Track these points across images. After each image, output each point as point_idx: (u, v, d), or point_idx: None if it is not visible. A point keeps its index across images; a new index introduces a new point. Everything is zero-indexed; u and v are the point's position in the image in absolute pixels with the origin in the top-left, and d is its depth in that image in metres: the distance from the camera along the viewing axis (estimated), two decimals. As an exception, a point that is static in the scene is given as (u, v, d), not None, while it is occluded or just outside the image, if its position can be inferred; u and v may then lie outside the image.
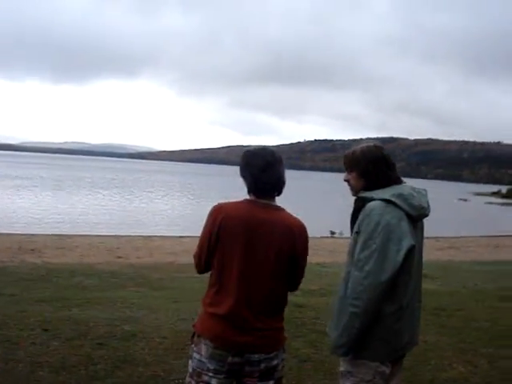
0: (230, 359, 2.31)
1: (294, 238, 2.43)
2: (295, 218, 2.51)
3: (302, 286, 2.73)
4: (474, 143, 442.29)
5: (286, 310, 2.62)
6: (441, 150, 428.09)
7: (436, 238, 27.47)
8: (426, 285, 11.30)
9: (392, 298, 2.43)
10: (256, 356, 2.34)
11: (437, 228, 33.03)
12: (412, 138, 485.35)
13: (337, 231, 27.29)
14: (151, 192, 52.36)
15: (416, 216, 2.48)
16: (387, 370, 2.53)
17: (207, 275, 2.57)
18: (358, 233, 2.46)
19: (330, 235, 26.59)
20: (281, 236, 2.39)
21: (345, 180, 2.69)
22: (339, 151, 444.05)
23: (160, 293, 7.93)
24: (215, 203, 2.50)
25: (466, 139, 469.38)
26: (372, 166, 2.56)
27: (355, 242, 2.47)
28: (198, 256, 2.48)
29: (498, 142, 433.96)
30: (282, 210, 2.49)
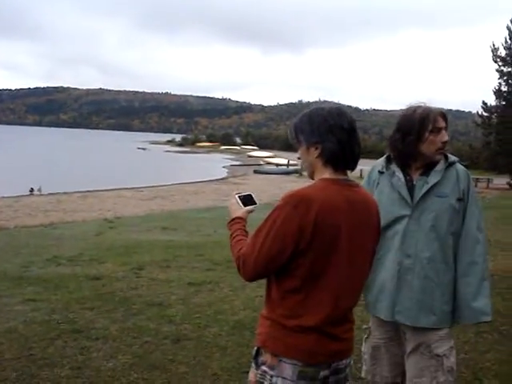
0: (321, 374, 1.88)
1: (379, 222, 2.03)
2: (371, 195, 2.11)
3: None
4: (144, 93, 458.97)
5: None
6: (112, 100, 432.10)
7: (137, 189, 27.91)
8: (175, 237, 11.48)
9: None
10: (343, 362, 1.95)
11: (133, 178, 33.68)
12: (83, 87, 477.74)
13: (35, 187, 25.61)
14: None
15: None
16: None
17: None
18: (461, 199, 2.53)
19: (29, 193, 24.78)
20: (377, 223, 2.00)
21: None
22: (5, 101, 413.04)
23: None
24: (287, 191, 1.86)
25: (136, 90, 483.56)
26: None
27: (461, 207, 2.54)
28: (265, 260, 1.83)
29: (167, 93, 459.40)
30: (359, 186, 2.01)
